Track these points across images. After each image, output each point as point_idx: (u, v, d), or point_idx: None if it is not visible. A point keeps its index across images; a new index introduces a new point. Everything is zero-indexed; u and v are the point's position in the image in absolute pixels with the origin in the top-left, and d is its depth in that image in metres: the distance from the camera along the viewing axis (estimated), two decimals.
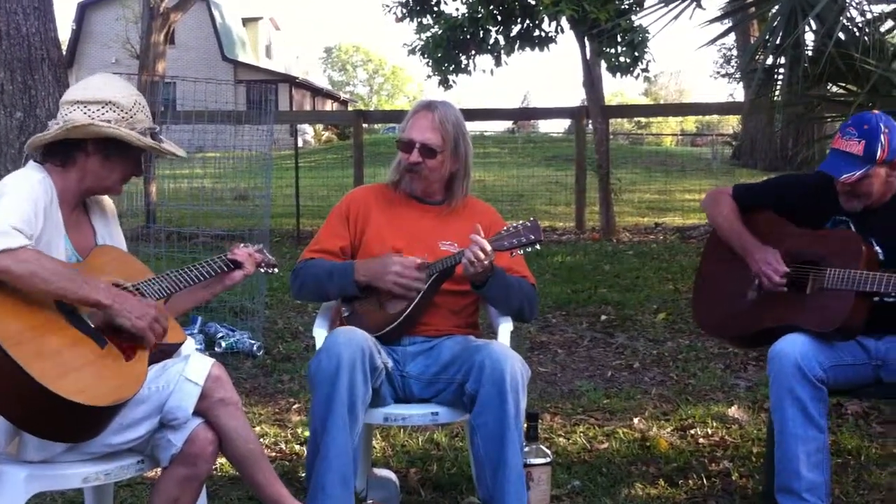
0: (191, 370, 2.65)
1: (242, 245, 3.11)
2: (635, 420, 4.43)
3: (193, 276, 2.90)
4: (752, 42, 13.18)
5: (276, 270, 3.22)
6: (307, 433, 4.17)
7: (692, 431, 4.26)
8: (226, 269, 3.01)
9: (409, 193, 3.44)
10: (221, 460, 2.76)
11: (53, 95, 5.55)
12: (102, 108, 2.69)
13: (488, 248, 3.09)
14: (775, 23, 5.70)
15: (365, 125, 12.65)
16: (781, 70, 5.95)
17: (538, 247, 3.19)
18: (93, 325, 2.52)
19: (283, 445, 4.13)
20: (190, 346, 2.89)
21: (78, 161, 2.71)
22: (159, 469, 2.70)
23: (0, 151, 5.34)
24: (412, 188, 3.42)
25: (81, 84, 2.78)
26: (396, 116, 14.20)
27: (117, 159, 2.75)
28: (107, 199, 2.97)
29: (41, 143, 2.70)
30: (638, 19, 11.14)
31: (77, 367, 2.40)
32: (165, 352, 2.72)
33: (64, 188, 2.70)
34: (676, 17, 6.12)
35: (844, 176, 3.16)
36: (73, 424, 2.40)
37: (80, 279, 2.47)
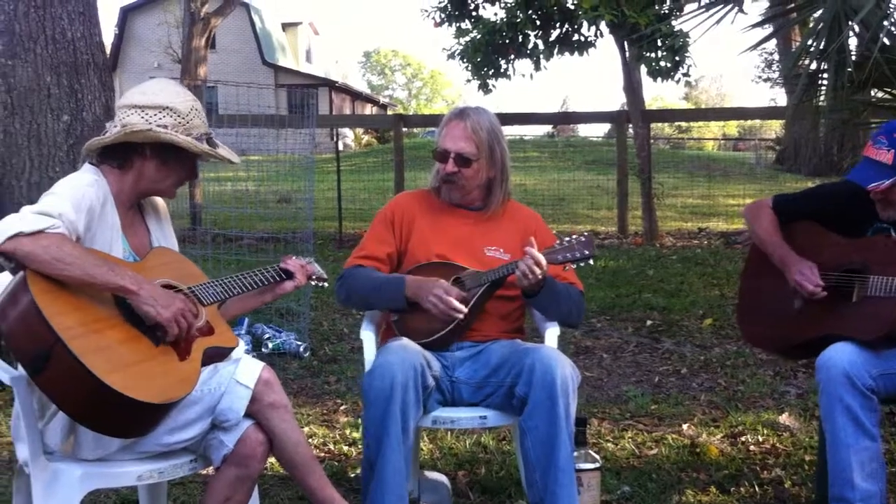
0: (242, 373, 2.66)
1: (295, 257, 3.13)
2: (684, 426, 4.38)
3: (246, 284, 2.93)
4: (793, 46, 13.03)
5: (325, 284, 3.23)
6: (355, 434, 4.20)
7: (743, 438, 4.21)
8: (277, 278, 3.03)
9: (449, 201, 3.44)
10: (272, 460, 2.76)
11: (99, 99, 5.61)
12: (160, 112, 2.71)
13: (543, 262, 3.08)
14: (818, 28, 5.62)
15: (405, 129, 12.68)
16: (825, 75, 5.88)
17: (591, 262, 3.17)
18: (149, 324, 2.53)
19: (331, 446, 4.15)
20: (240, 349, 2.91)
21: (135, 164, 2.74)
22: (211, 467, 2.72)
23: (48, 154, 5.38)
24: (450, 197, 3.42)
25: (139, 88, 2.80)
26: (436, 120, 14.14)
27: (174, 164, 2.78)
28: (160, 200, 3.00)
29: (99, 146, 2.73)
30: (678, 24, 11.07)
31: (131, 363, 2.43)
32: (218, 355, 2.73)
33: (119, 189, 2.74)
34: (718, 21, 6.06)
35: (872, 185, 3.12)
36: (125, 419, 2.43)
37: (106, 266, 2.48)
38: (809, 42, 5.85)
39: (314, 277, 3.17)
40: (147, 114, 2.71)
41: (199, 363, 2.62)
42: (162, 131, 2.69)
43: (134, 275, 2.53)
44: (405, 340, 3.14)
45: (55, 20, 5.42)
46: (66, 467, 2.56)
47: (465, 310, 3.13)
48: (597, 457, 3.26)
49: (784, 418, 4.45)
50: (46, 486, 2.53)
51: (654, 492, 3.59)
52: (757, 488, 3.61)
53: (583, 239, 3.18)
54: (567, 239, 3.20)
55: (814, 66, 5.97)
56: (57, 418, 2.57)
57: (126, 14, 40.50)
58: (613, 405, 4.78)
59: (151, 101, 2.73)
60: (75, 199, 2.55)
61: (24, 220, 2.41)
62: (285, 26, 44.67)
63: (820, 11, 5.65)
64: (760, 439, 4.20)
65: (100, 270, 2.44)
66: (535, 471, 2.99)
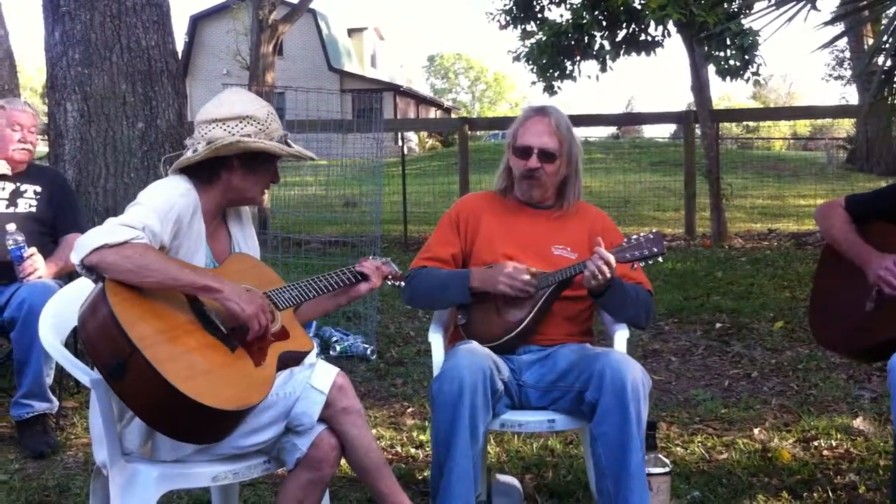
0: (316, 378, 2.69)
1: (371, 257, 3.15)
2: (755, 430, 4.32)
3: (322, 287, 2.96)
4: (865, 43, 12.77)
5: (402, 284, 3.25)
6: (422, 437, 4.23)
7: (815, 443, 4.13)
8: (353, 280, 3.06)
9: (523, 200, 3.43)
10: (342, 462, 2.79)
11: (172, 106, 5.73)
12: (241, 122, 2.76)
13: (613, 261, 3.06)
14: (893, 25, 5.50)
15: (469, 132, 12.69)
16: None
17: (661, 259, 3.14)
18: (225, 331, 2.58)
19: (398, 448, 4.17)
20: (313, 353, 2.94)
21: (223, 177, 2.79)
22: (283, 468, 2.76)
23: (123, 161, 5.50)
24: (531, 195, 3.40)
25: (214, 102, 2.84)
26: (501, 123, 14.19)
27: (260, 170, 2.83)
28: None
29: (189, 164, 2.77)
30: (748, 22, 10.92)
31: (206, 371, 2.47)
32: (293, 359, 2.77)
33: (206, 199, 2.79)
34: (790, 19, 5.96)
35: None
36: (200, 426, 2.47)
37: (188, 268, 2.55)
38: (883, 39, 5.72)
39: (390, 277, 3.18)
40: (228, 125, 2.75)
41: (274, 369, 2.66)
42: (249, 140, 2.74)
43: (215, 275, 2.60)
44: (473, 344, 3.14)
45: (130, 29, 5.55)
46: (144, 468, 2.61)
47: (536, 282, 3.15)
48: (666, 461, 3.24)
49: (858, 422, 4.36)
50: (124, 486, 2.59)
51: (724, 497, 3.55)
52: (830, 494, 3.54)
53: (651, 236, 3.16)
54: (635, 237, 3.18)
55: (888, 63, 5.84)
56: (135, 422, 2.63)
57: (196, 22, 41.22)
58: (682, 409, 4.73)
59: (230, 112, 2.77)
60: (162, 210, 2.61)
61: (110, 232, 2.47)
62: (351, 32, 45.05)
63: (894, 8, 5.53)
64: (834, 444, 4.12)
65: (183, 273, 2.51)
66: (605, 477, 2.96)
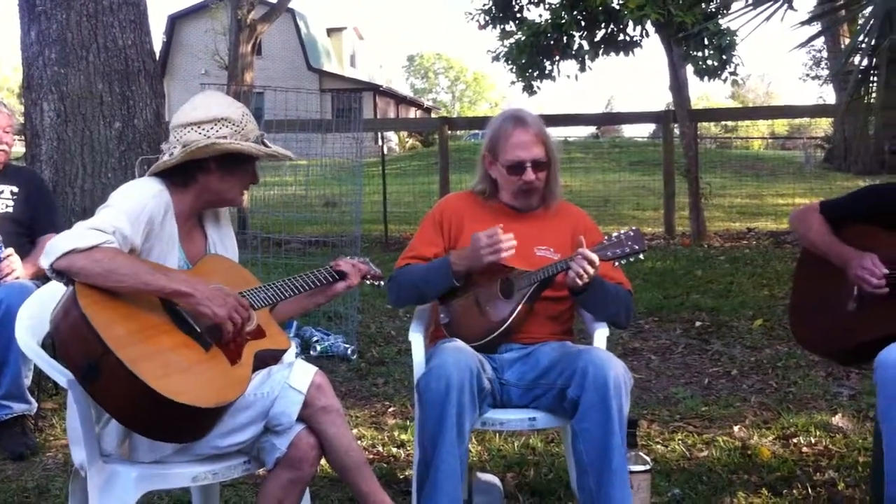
0: (294, 378, 2.68)
1: (348, 257, 3.14)
2: (735, 428, 4.34)
3: (298, 286, 2.95)
4: (842, 43, 12.89)
5: (381, 283, 3.24)
6: (404, 436, 4.22)
7: (795, 440, 4.16)
8: (330, 279, 3.05)
9: (508, 204, 3.43)
10: (323, 461, 2.79)
11: (150, 106, 5.70)
12: (216, 125, 2.74)
13: (596, 260, 3.07)
14: (869, 24, 5.54)
15: (449, 132, 12.69)
16: (876, 72, 5.78)
17: (641, 256, 3.14)
18: (199, 329, 2.56)
19: (380, 448, 4.17)
20: (292, 352, 2.93)
21: (199, 179, 2.77)
22: (263, 469, 2.74)
23: (100, 161, 5.47)
24: (529, 204, 3.41)
25: (188, 105, 2.82)
26: (481, 123, 14.18)
27: (238, 172, 2.81)
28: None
29: (164, 168, 2.75)
30: (726, 22, 10.99)
31: (181, 369, 2.46)
32: (271, 357, 2.76)
33: (180, 202, 2.77)
34: (768, 18, 5.99)
35: None
36: (176, 425, 2.45)
37: (159, 273, 2.52)
38: (860, 38, 5.76)
39: (369, 276, 3.17)
40: (203, 128, 2.74)
41: (251, 367, 2.64)
42: (224, 142, 2.72)
43: (187, 278, 2.58)
44: (458, 342, 3.14)
45: (107, 28, 5.52)
46: (123, 469, 2.59)
47: (513, 239, 3.13)
48: (647, 459, 3.25)
49: (837, 419, 4.39)
50: (102, 487, 2.57)
51: (704, 494, 3.56)
52: (810, 490, 3.56)
53: (631, 233, 3.16)
54: (616, 234, 3.18)
55: (865, 62, 5.88)
56: (113, 423, 2.61)
57: (174, 22, 41.05)
58: (663, 407, 4.75)
59: (205, 115, 2.76)
60: (133, 212, 2.59)
61: (79, 236, 2.45)
62: (330, 31, 44.97)
63: (871, 8, 5.57)
64: (813, 441, 4.14)
65: (153, 277, 2.49)
66: (587, 474, 2.96)
